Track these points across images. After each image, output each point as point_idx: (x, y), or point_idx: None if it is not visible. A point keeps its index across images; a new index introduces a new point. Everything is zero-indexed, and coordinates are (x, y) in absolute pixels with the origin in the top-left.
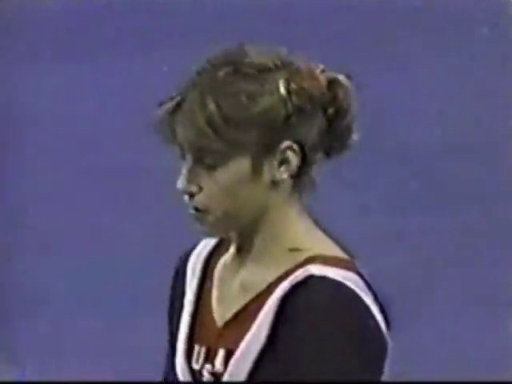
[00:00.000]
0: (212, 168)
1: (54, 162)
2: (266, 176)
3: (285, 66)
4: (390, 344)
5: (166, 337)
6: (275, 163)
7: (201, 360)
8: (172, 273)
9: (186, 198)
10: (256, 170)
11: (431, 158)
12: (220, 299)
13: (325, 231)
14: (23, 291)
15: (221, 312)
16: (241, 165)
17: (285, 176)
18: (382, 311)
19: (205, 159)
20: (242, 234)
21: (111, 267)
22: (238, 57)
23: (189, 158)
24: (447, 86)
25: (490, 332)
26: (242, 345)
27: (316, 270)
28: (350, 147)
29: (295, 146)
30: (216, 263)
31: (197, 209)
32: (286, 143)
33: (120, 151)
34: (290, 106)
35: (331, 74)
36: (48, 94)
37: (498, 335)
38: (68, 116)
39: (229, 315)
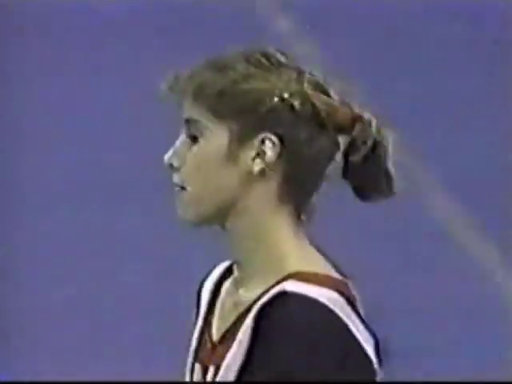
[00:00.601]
0: (194, 140)
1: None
2: (242, 164)
3: (299, 72)
4: (375, 363)
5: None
6: (252, 153)
7: (199, 378)
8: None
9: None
10: (232, 154)
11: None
12: (218, 319)
13: (320, 250)
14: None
15: (217, 331)
16: (219, 141)
17: (258, 167)
18: (370, 333)
19: (191, 129)
20: (234, 240)
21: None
22: (257, 50)
23: (183, 131)
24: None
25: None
26: (225, 362)
27: (290, 286)
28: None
29: (275, 139)
30: (223, 286)
31: (177, 186)
32: (266, 134)
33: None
34: (279, 97)
35: (357, 110)
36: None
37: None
38: (69, 117)
39: (221, 333)
